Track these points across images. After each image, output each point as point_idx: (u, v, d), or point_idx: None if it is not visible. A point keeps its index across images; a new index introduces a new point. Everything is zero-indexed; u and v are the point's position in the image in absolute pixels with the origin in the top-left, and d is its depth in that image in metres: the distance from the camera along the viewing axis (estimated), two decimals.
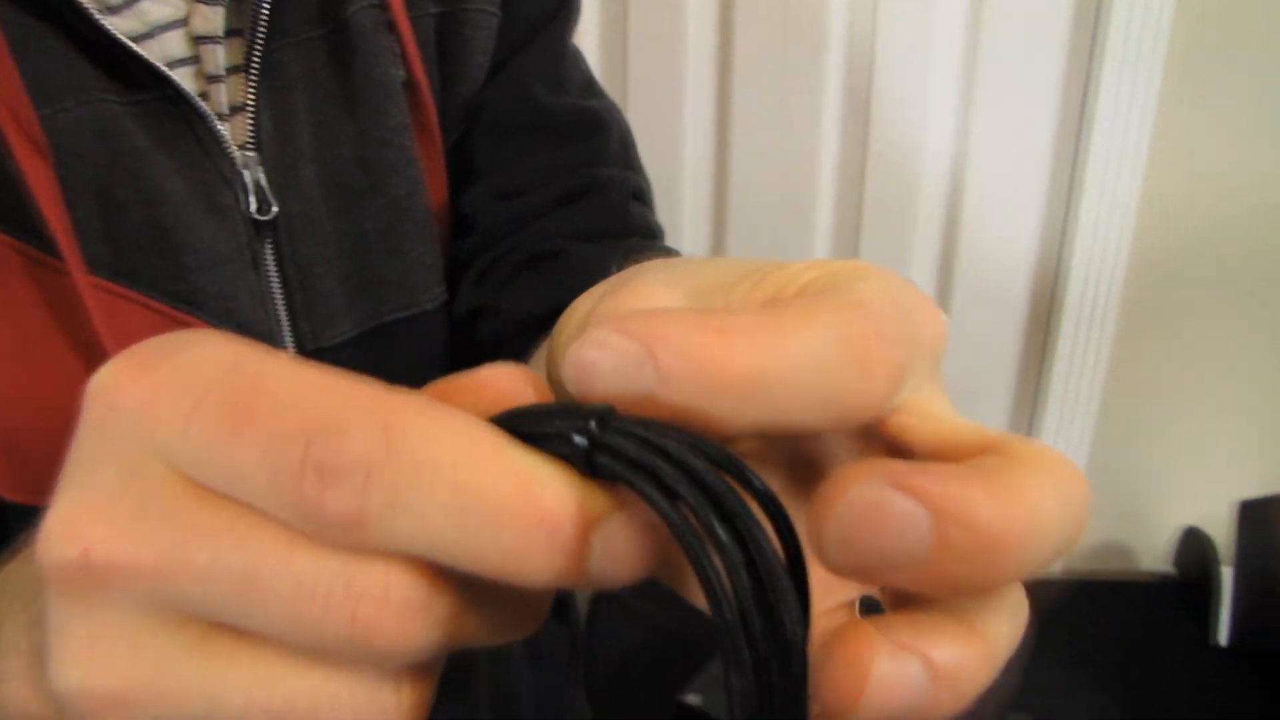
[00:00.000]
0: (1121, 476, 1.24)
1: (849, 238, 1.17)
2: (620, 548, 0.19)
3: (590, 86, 0.59)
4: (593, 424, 0.18)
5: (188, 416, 0.18)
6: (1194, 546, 1.15)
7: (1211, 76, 1.07)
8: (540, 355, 0.47)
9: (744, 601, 0.18)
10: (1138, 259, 1.14)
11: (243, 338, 0.20)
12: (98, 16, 0.41)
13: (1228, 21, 1.06)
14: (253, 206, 0.47)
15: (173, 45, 0.45)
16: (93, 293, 0.42)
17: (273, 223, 0.48)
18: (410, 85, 0.51)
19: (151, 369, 0.19)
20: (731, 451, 0.18)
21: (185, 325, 0.45)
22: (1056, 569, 1.27)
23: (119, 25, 0.42)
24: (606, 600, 1.12)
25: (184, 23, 0.45)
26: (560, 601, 0.71)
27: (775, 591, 0.18)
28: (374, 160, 0.50)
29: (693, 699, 0.85)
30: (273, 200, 0.47)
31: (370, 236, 0.50)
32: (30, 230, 0.41)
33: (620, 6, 1.09)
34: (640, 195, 0.57)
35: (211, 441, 0.18)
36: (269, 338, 0.48)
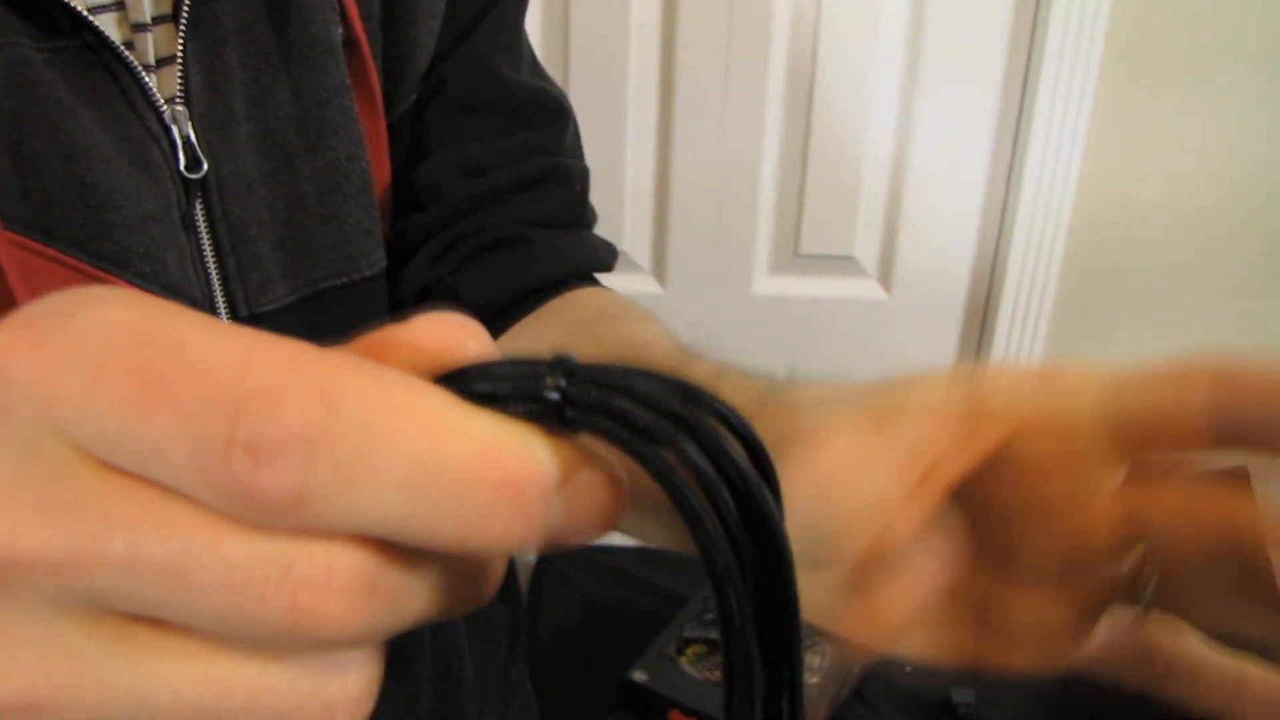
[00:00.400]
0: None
1: (790, 235, 1.17)
2: (589, 503, 0.18)
3: (538, 67, 0.58)
4: (561, 378, 0.17)
5: (90, 389, 0.16)
6: None
7: (1145, 81, 1.10)
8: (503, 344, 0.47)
9: (732, 529, 0.17)
10: (1070, 264, 1.16)
11: (156, 297, 0.17)
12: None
13: (1162, 22, 1.08)
14: (182, 164, 0.44)
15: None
16: (7, 249, 0.39)
17: (203, 181, 0.45)
18: (350, 44, 0.49)
19: (46, 335, 0.17)
20: (693, 383, 0.18)
21: (98, 278, 0.42)
22: None
23: None
24: (550, 577, 1.11)
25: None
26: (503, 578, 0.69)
27: (762, 516, 0.18)
28: (312, 120, 0.48)
29: (639, 676, 0.85)
30: (203, 158, 0.45)
31: (307, 199, 0.48)
32: None
33: (562, 6, 1.08)
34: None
35: (120, 417, 0.16)
36: (199, 303, 0.46)
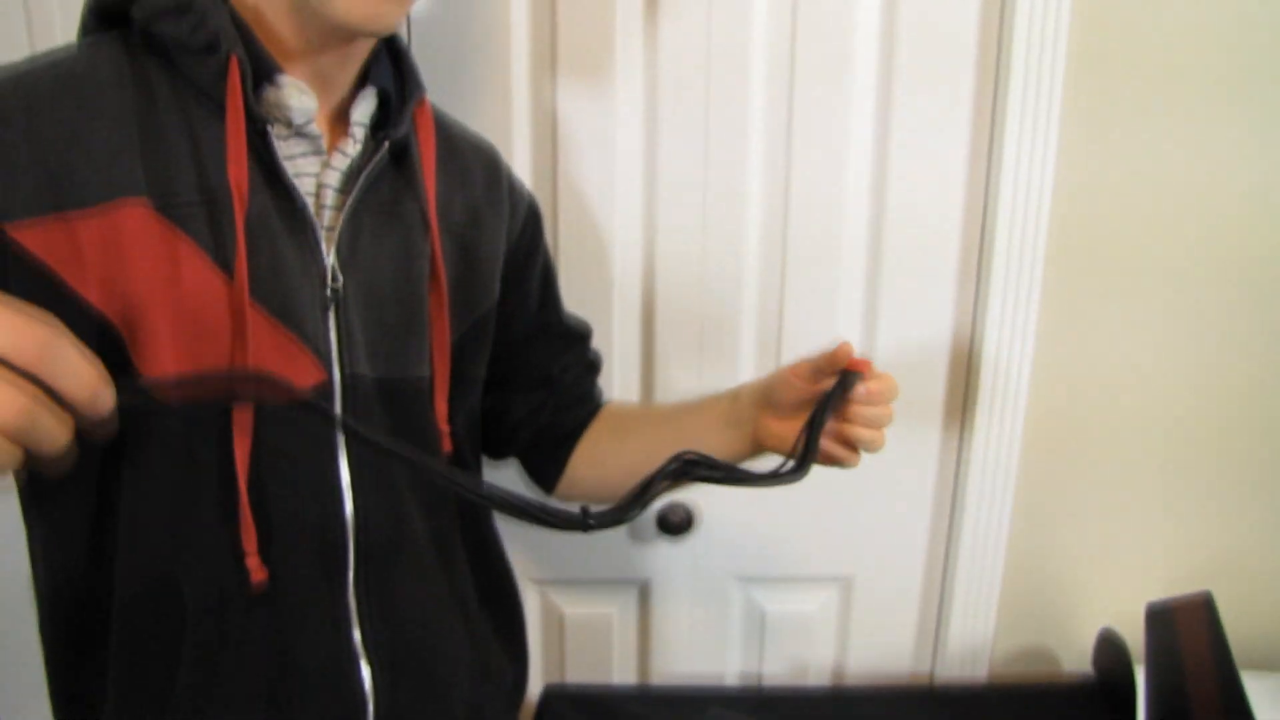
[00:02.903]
0: (1038, 580, 1.30)
1: (773, 319, 1.25)
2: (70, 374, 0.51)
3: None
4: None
5: None
6: (1110, 649, 1.21)
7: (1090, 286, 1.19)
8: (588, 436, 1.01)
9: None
10: (1041, 370, 1.24)
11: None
12: (284, 168, 0.74)
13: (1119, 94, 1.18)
14: (328, 279, 0.77)
15: (309, 183, 0.78)
16: (251, 309, 0.71)
17: (336, 292, 0.77)
18: (430, 255, 0.83)
19: None
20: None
21: (288, 340, 0.74)
22: (980, 674, 1.32)
23: (288, 167, 0.75)
24: (551, 716, 1.14)
25: (316, 176, 0.78)
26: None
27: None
28: (403, 277, 0.82)
29: None
30: (340, 277, 0.77)
31: (388, 319, 0.81)
32: (227, 263, 0.71)
33: (549, 106, 1.18)
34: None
35: None
36: (326, 357, 0.77)
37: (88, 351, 0.50)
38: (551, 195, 1.19)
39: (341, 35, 0.76)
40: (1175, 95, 1.17)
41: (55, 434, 0.48)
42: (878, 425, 0.83)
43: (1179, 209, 1.20)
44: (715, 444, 0.90)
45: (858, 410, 0.82)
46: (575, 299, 1.07)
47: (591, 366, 1.04)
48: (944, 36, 1.16)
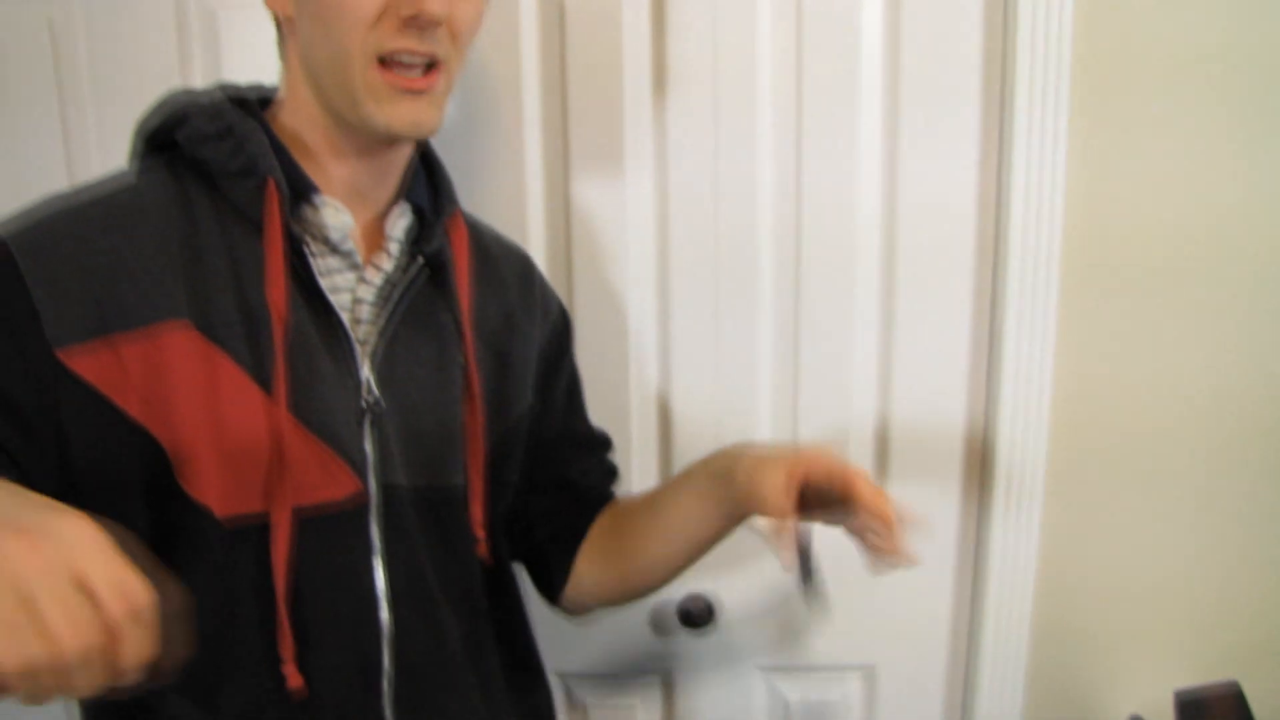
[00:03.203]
0: (1065, 668, 1.30)
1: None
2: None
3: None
4: None
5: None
6: None
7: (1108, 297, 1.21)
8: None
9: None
10: (1059, 443, 1.24)
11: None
12: (322, 285, 0.78)
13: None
14: (363, 392, 0.80)
15: (345, 298, 0.81)
16: (289, 424, 0.74)
17: (372, 405, 0.80)
18: (465, 366, 0.86)
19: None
20: None
21: (325, 453, 0.76)
22: None
23: (324, 282, 0.79)
24: None
25: (352, 291, 0.81)
26: None
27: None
28: (439, 388, 0.84)
29: None
30: (375, 392, 0.80)
31: (425, 428, 0.83)
32: (266, 380, 0.74)
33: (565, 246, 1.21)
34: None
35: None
36: (362, 467, 0.79)
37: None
38: (567, 283, 1.22)
39: (383, 142, 0.80)
40: (1184, 97, 1.17)
41: (45, 693, 0.50)
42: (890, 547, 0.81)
43: (1193, 213, 1.19)
44: (704, 523, 0.92)
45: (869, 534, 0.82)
46: (591, 384, 1.08)
47: (610, 472, 1.06)
48: (948, 48, 1.18)
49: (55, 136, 1.19)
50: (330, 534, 0.77)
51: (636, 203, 1.21)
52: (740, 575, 1.28)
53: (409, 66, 0.75)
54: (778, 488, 0.80)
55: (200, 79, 1.17)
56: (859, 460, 1.26)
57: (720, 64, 1.17)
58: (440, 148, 0.92)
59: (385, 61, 0.75)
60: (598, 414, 1.06)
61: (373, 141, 0.80)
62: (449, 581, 0.85)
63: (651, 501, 0.98)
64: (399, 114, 0.76)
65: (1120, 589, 1.28)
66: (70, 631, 0.49)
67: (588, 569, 0.99)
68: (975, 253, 1.21)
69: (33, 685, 0.49)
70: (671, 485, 0.97)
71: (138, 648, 0.51)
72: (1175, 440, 1.24)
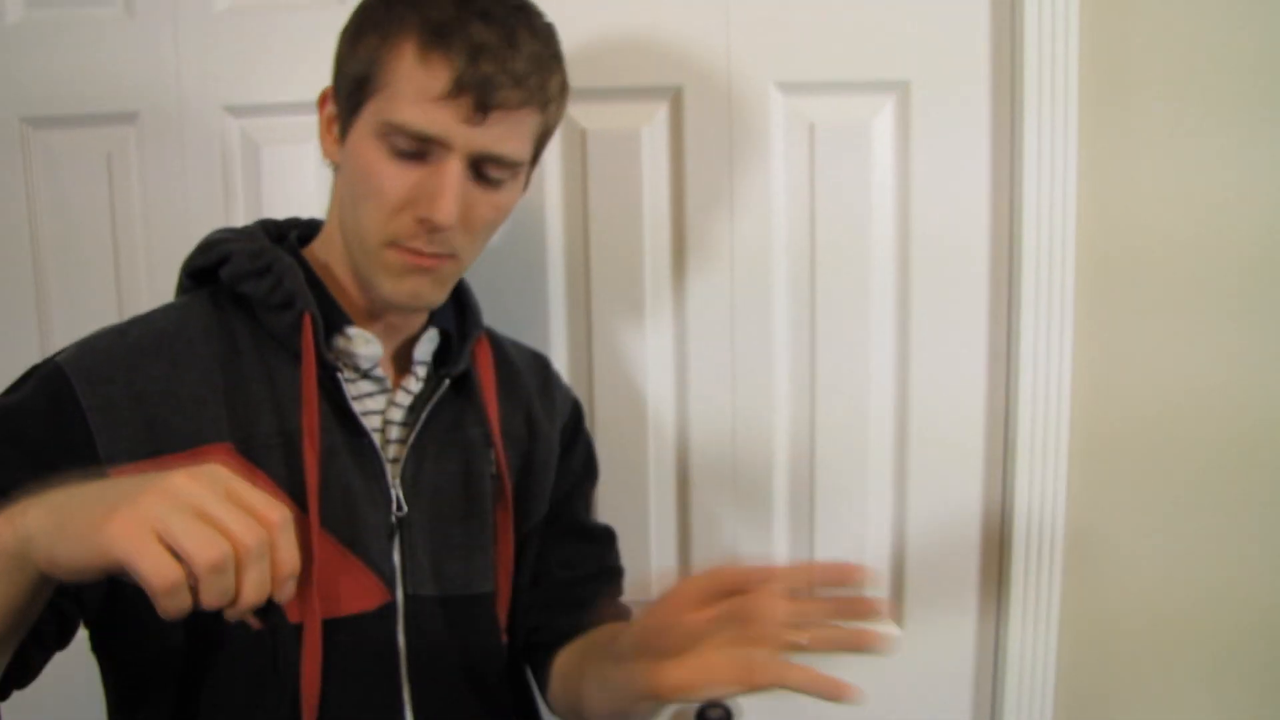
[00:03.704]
0: (1094, 697, 1.28)
1: (805, 511, 1.28)
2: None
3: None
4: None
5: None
6: None
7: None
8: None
9: None
10: (1079, 450, 1.23)
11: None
12: (354, 409, 0.83)
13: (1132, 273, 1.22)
14: (393, 506, 0.85)
15: (375, 420, 0.86)
16: (320, 537, 0.79)
17: (401, 518, 0.85)
18: (497, 477, 0.91)
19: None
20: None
21: (356, 566, 0.81)
22: None
23: (356, 406, 0.84)
24: None
25: (382, 413, 0.87)
26: None
27: None
28: (464, 500, 0.89)
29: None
30: (404, 505, 0.85)
31: (454, 540, 0.88)
32: (301, 497, 0.79)
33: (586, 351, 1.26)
34: None
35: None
36: (391, 579, 0.84)
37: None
38: (589, 393, 1.27)
39: (386, 307, 0.86)
40: (1194, 102, 1.18)
41: (228, 594, 0.58)
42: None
43: (1206, 218, 1.20)
44: (604, 687, 0.80)
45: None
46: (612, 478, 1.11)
47: (604, 573, 1.01)
48: (957, 57, 1.21)
49: (107, 257, 1.27)
50: (358, 641, 0.81)
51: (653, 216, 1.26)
52: None
53: (419, 251, 0.80)
54: (669, 600, 0.68)
55: (243, 207, 1.24)
56: (878, 471, 1.27)
57: (734, 81, 1.22)
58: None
59: (396, 243, 0.80)
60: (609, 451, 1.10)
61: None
62: (474, 682, 0.89)
63: (589, 643, 0.91)
64: (402, 288, 0.81)
65: (1147, 596, 1.27)
66: (243, 530, 0.57)
67: (557, 686, 0.93)
68: (989, 263, 1.23)
69: (221, 582, 0.57)
70: (587, 658, 0.89)
71: (289, 553, 0.60)
72: (1194, 446, 1.24)
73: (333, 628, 0.79)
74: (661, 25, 1.21)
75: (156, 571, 0.55)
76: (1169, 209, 1.20)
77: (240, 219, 1.24)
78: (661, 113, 1.23)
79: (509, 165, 0.80)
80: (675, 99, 1.22)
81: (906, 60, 1.21)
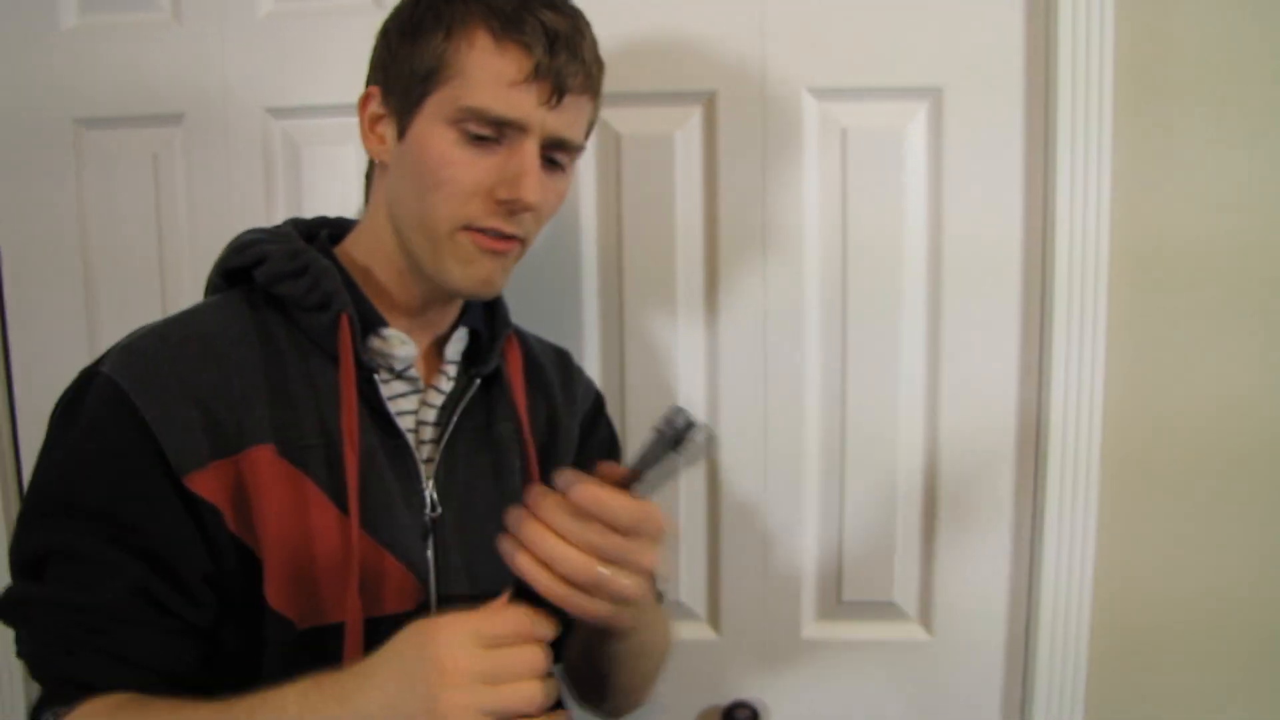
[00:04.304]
0: (1125, 686, 1.26)
1: (832, 585, 1.28)
2: None
3: None
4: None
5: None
6: None
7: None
8: None
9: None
10: (1111, 459, 1.22)
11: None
12: (390, 410, 0.84)
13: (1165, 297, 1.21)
14: (427, 507, 0.86)
15: (409, 420, 0.87)
16: (361, 537, 0.80)
17: (434, 519, 0.86)
18: (525, 471, 0.92)
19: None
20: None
21: (394, 566, 0.82)
22: None
23: (391, 407, 0.85)
24: None
25: (415, 414, 0.88)
26: None
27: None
28: (499, 499, 0.87)
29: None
30: (438, 506, 0.86)
31: (488, 541, 0.80)
32: (341, 499, 0.80)
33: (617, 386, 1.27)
34: None
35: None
36: (425, 579, 0.85)
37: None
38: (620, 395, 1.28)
39: (452, 295, 0.87)
40: (1229, 105, 1.17)
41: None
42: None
43: (1239, 224, 1.19)
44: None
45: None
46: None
47: None
48: (991, 63, 1.21)
49: (152, 253, 1.30)
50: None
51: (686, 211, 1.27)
52: (786, 683, 1.30)
53: (496, 232, 0.82)
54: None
55: (283, 206, 1.27)
56: (907, 477, 1.27)
57: (768, 87, 1.23)
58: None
59: (471, 227, 0.81)
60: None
61: (445, 293, 0.87)
62: None
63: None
64: (474, 273, 0.82)
65: (1176, 607, 1.25)
66: (527, 666, 0.67)
67: (575, 662, 0.97)
68: (1022, 270, 1.23)
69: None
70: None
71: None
72: (1226, 456, 1.22)
73: (372, 627, 0.79)
74: (696, 30, 1.22)
75: None
76: (1203, 217, 1.19)
77: (281, 218, 1.26)
78: (695, 117, 1.24)
79: (573, 150, 0.84)
80: (709, 104, 1.23)
81: (940, 67, 1.22)
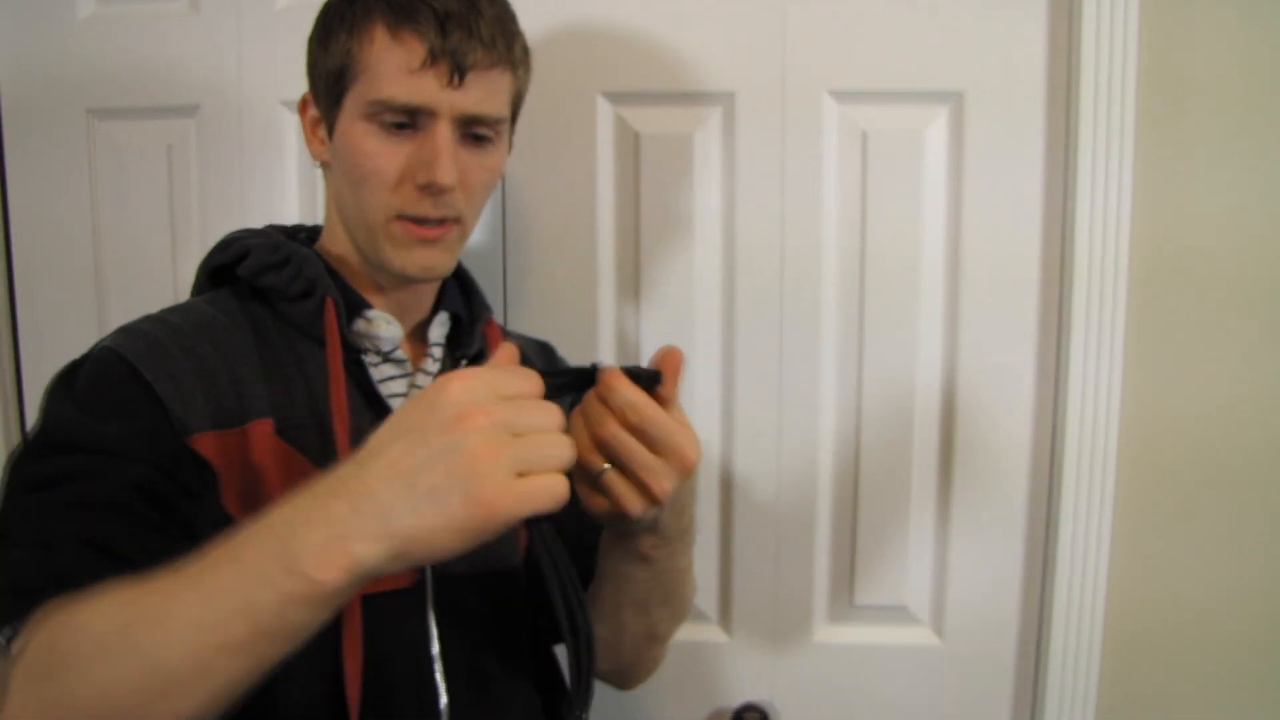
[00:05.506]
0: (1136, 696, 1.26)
1: (844, 588, 1.28)
2: None
3: None
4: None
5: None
6: None
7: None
8: None
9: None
10: (1126, 468, 1.23)
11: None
12: (380, 391, 0.86)
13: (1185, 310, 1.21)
14: None
15: (399, 402, 0.86)
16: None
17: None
18: None
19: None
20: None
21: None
22: None
23: (381, 388, 0.86)
24: None
25: (405, 395, 0.87)
26: None
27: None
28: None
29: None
30: None
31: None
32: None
33: None
34: None
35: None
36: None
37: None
38: None
39: (404, 281, 0.89)
40: (1251, 115, 1.18)
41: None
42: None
43: (1260, 233, 1.19)
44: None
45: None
46: None
47: None
48: (1013, 69, 1.21)
49: (165, 245, 1.29)
50: (389, 616, 0.82)
51: (704, 214, 1.27)
52: (797, 686, 1.29)
53: (425, 218, 0.84)
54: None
55: (296, 198, 1.27)
56: (922, 481, 1.27)
57: (788, 89, 1.23)
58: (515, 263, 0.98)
59: (403, 215, 0.84)
60: None
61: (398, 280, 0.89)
62: (507, 658, 0.90)
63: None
64: (414, 259, 0.85)
65: (1190, 616, 1.25)
66: (546, 419, 0.61)
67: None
68: (1041, 276, 1.23)
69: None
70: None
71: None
72: (1243, 463, 1.22)
73: (368, 604, 0.80)
74: (716, 31, 1.22)
75: (556, 498, 0.58)
76: (1224, 225, 1.19)
77: (293, 210, 1.26)
78: (715, 118, 1.24)
79: (492, 123, 0.85)
80: (729, 105, 1.23)
81: (961, 71, 1.21)
